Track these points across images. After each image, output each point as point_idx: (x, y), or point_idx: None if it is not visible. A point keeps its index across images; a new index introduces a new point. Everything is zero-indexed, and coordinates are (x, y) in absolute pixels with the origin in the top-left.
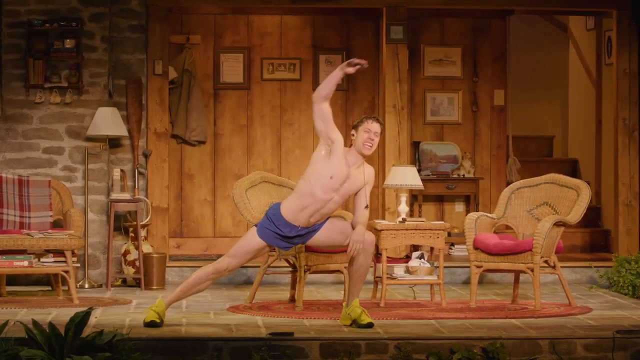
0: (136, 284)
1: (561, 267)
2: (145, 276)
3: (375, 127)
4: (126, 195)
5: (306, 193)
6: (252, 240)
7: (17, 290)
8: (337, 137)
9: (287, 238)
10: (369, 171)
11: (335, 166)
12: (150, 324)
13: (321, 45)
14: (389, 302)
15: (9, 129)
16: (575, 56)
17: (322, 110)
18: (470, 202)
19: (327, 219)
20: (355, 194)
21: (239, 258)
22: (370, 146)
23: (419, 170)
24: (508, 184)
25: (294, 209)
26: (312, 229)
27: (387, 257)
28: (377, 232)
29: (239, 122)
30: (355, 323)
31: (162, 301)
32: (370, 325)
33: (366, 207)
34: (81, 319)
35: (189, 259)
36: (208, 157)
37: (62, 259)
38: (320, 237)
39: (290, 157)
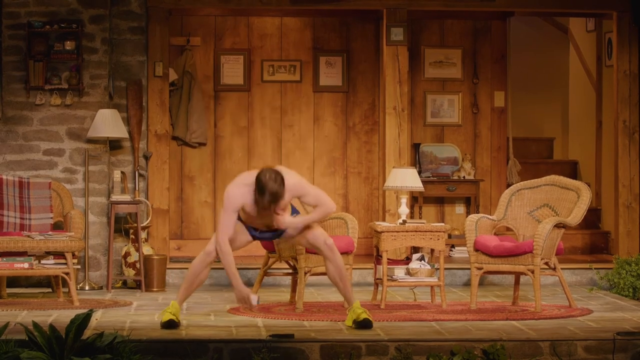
0: (137, 285)
1: (561, 268)
2: (145, 278)
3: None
4: (126, 197)
5: None
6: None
7: (18, 292)
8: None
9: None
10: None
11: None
12: (168, 324)
13: (321, 47)
14: (390, 304)
15: (10, 130)
16: (575, 58)
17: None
18: (471, 204)
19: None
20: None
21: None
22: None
23: (419, 172)
24: (508, 185)
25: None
26: (274, 232)
27: (388, 259)
28: (377, 233)
29: (239, 124)
30: (354, 323)
31: (175, 302)
32: (365, 322)
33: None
34: (82, 321)
35: (190, 261)
36: (208, 158)
37: (63, 260)
38: (293, 239)
39: (290, 159)
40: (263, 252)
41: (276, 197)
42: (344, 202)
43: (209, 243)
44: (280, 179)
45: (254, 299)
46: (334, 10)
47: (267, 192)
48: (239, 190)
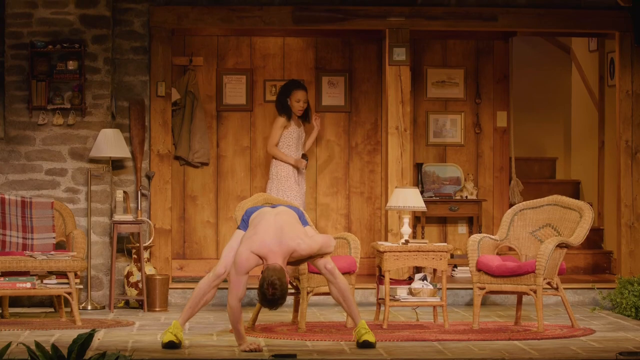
0: (139, 305)
1: (564, 288)
2: (148, 298)
3: None
4: (129, 217)
5: None
6: (239, 237)
7: (20, 311)
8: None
9: None
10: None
11: None
12: (169, 345)
13: (324, 67)
14: (392, 324)
15: (12, 150)
16: (577, 78)
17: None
18: (473, 224)
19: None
20: None
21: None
22: None
23: (421, 192)
24: (511, 205)
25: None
26: None
27: (390, 278)
28: (380, 253)
29: (241, 143)
30: (356, 343)
31: (177, 322)
32: (366, 343)
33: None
34: (84, 341)
35: (192, 281)
36: (211, 178)
37: (65, 280)
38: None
39: None
40: None
41: (278, 304)
42: (346, 222)
43: (218, 265)
44: (282, 289)
45: (259, 343)
46: (337, 30)
47: (269, 301)
48: (252, 258)
